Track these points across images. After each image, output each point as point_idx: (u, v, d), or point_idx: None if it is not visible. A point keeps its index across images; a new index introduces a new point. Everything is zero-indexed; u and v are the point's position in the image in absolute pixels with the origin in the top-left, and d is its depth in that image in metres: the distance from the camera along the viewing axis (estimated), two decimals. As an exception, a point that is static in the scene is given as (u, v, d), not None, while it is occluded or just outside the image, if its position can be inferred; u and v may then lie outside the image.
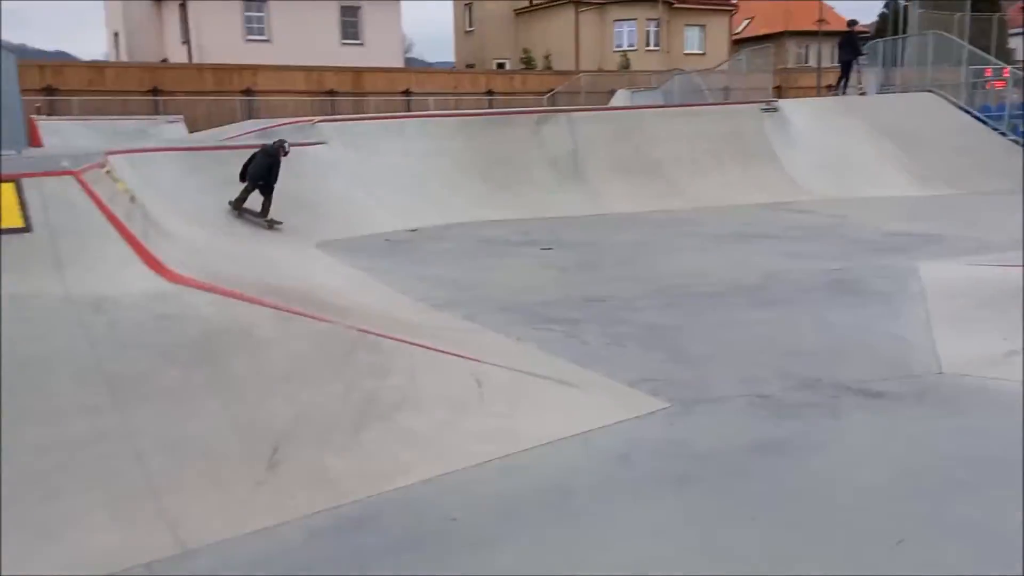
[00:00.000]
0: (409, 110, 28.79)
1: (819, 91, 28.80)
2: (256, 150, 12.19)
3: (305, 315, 5.57)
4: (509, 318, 7.36)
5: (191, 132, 22.40)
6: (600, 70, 41.51)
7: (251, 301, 5.52)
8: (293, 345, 5.16)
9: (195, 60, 34.74)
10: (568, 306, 7.85)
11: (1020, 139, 20.53)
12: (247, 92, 29.89)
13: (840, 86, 23.07)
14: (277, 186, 11.93)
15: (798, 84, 36.49)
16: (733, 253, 10.74)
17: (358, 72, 33.40)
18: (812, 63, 47.11)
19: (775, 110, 20.12)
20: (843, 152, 18.65)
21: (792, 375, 5.75)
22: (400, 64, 40.48)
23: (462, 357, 5.55)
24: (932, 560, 3.33)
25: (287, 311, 5.59)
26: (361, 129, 16.04)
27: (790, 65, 50.24)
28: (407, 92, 33.21)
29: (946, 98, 21.26)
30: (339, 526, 3.87)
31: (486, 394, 5.16)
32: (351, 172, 14.32)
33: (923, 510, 3.71)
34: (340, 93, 31.75)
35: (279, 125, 15.64)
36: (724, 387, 5.54)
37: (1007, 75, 22.26)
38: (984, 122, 20.63)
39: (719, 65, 35.85)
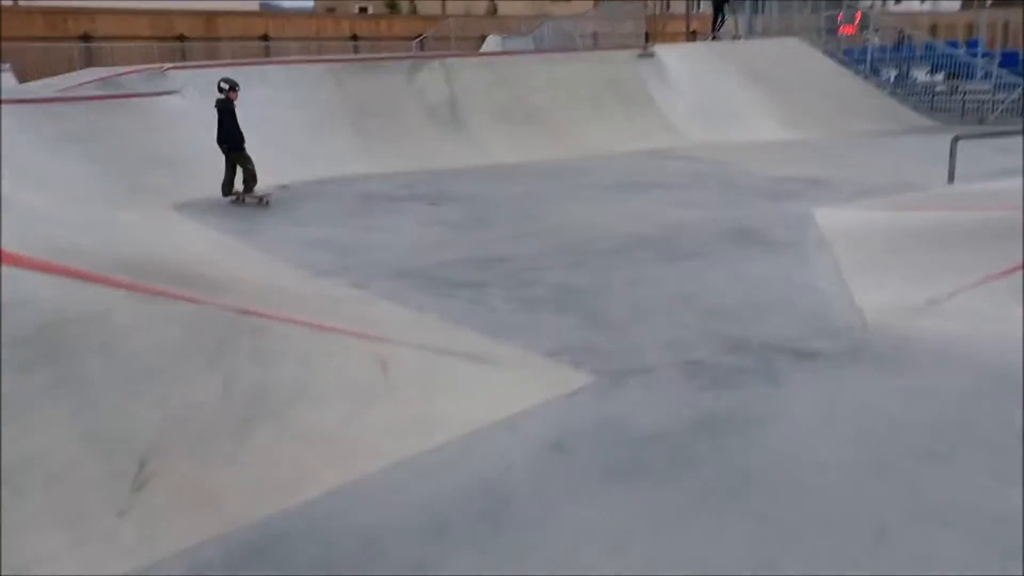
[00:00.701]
0: (268, 57, 26.96)
1: (688, 37, 28.95)
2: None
3: (171, 295, 4.71)
4: (405, 284, 6.68)
5: (21, 83, 20.08)
6: (468, 15, 40.37)
7: (103, 282, 4.60)
8: (158, 333, 4.29)
9: (21, 2, 31.32)
10: (468, 268, 7.23)
11: (885, 83, 21.23)
12: (85, 38, 27.17)
13: (715, 30, 23.09)
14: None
15: (666, 30, 36.65)
16: (628, 204, 10.36)
17: (210, 16, 31.02)
18: (675, 10, 47.45)
19: (651, 56, 19.90)
20: (718, 97, 18.66)
21: (718, 336, 5.37)
22: (255, 8, 38.01)
23: (363, 336, 4.85)
24: (925, 555, 2.98)
25: (149, 291, 4.70)
26: (216, 76, 14.64)
27: (656, 13, 50.46)
28: (265, 37, 31.16)
29: (812, 43, 21.63)
30: (230, 559, 3.16)
31: (394, 379, 4.50)
32: (210, 125, 13.02)
33: (899, 491, 3.36)
34: (191, 39, 29.40)
35: (123, 74, 14.07)
36: (650, 354, 5.09)
37: (859, 20, 22.87)
38: (848, 66, 21.15)
39: (588, 11, 35.49)
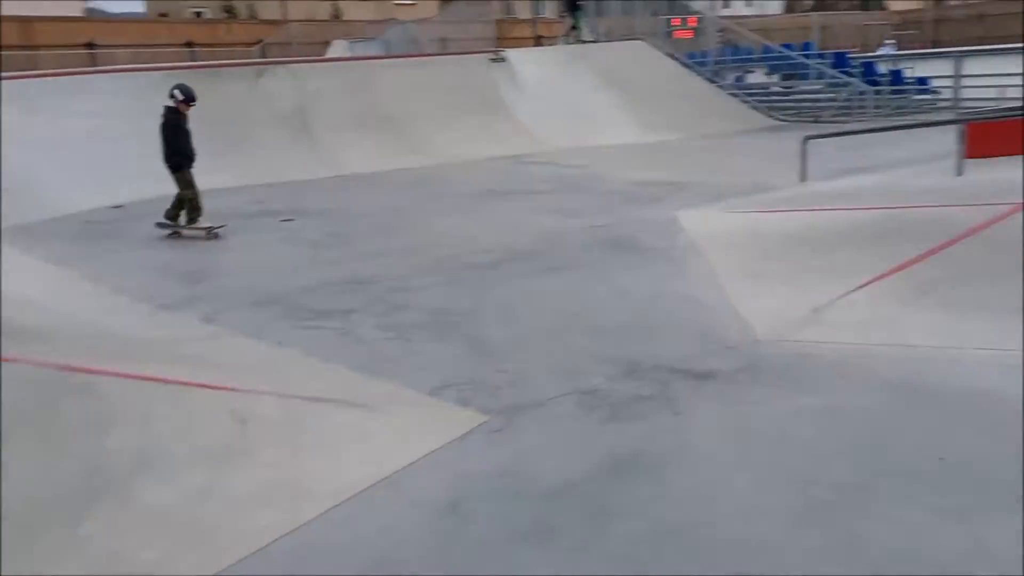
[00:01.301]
0: (95, 65, 24.93)
1: (535, 41, 29.01)
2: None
3: (-28, 354, 3.90)
4: (263, 315, 6.01)
5: None
6: (311, 19, 39.03)
7: None
8: (-44, 404, 3.52)
9: None
10: (332, 292, 6.62)
11: (727, 85, 21.93)
12: None
13: (570, 33, 23.16)
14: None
15: (512, 35, 36.74)
16: (496, 213, 9.99)
17: (26, 22, 28.41)
18: (518, 14, 47.77)
19: (503, 60, 19.70)
20: (572, 101, 18.67)
21: (609, 359, 5.04)
22: (79, 13, 35.22)
23: (215, 388, 4.20)
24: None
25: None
26: (39, 88, 13.23)
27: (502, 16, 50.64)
28: (91, 45, 28.84)
29: (656, 46, 22.07)
30: None
31: (255, 437, 3.89)
32: (32, 140, 11.68)
33: (834, 541, 3.07)
34: (5, 47, 26.80)
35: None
36: (542, 384, 4.70)
37: (694, 24, 23.58)
38: (692, 68, 21.71)
39: (434, 15, 35.06)
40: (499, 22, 38.10)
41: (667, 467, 3.69)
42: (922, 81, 22.38)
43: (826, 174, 11.33)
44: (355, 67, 18.24)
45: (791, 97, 21.85)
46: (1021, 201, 6.48)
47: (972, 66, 22.80)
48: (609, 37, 23.28)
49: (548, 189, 11.77)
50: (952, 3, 41.90)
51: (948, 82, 22.81)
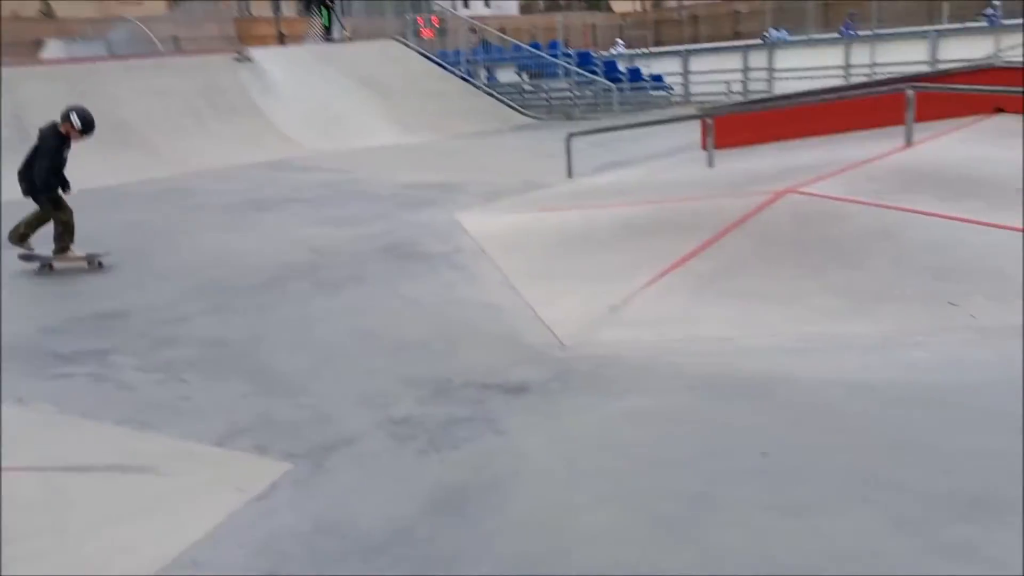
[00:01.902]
0: None
1: (279, 40, 27.75)
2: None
3: None
4: (-6, 368, 5.01)
5: None
6: (16, 17, 34.75)
7: None
8: None
9: None
10: (83, 331, 5.70)
11: (480, 84, 22.18)
12: None
13: (318, 32, 22.28)
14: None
15: (253, 33, 34.94)
16: (259, 226, 9.25)
17: None
18: (257, 12, 45.60)
19: (249, 60, 18.59)
20: (327, 102, 18.01)
21: (415, 380, 4.69)
22: None
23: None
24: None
25: None
26: None
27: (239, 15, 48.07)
28: None
29: (409, 45, 21.88)
30: None
31: (5, 525, 3.13)
32: None
33: (698, 559, 2.93)
34: None
35: None
36: (348, 417, 4.25)
37: (436, 24, 23.73)
38: (445, 67, 21.75)
39: (163, 13, 32.52)
40: (238, 21, 36.17)
41: (502, 495, 3.41)
42: (657, 78, 24.03)
43: (590, 170, 11.68)
44: (77, 70, 16.33)
45: (543, 95, 22.55)
46: (778, 190, 6.93)
47: (697, 63, 24.83)
48: (359, 36, 22.74)
49: (314, 197, 11.15)
50: (669, 5, 45.58)
51: (679, 78, 24.69)
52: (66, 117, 7.52)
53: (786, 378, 4.43)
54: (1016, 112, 9.83)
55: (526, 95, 22.65)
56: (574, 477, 3.55)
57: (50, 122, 7.61)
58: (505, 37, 25.04)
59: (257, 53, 19.07)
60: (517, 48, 23.92)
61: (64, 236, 7.53)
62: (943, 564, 2.74)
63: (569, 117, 20.74)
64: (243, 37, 32.89)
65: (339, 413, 4.30)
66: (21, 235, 7.49)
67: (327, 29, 22.17)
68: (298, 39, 23.92)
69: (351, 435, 4.04)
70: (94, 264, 7.56)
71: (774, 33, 24.46)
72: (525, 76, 23.73)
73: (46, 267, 7.50)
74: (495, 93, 21.74)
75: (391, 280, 6.77)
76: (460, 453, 3.82)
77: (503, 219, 8.74)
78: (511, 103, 21.39)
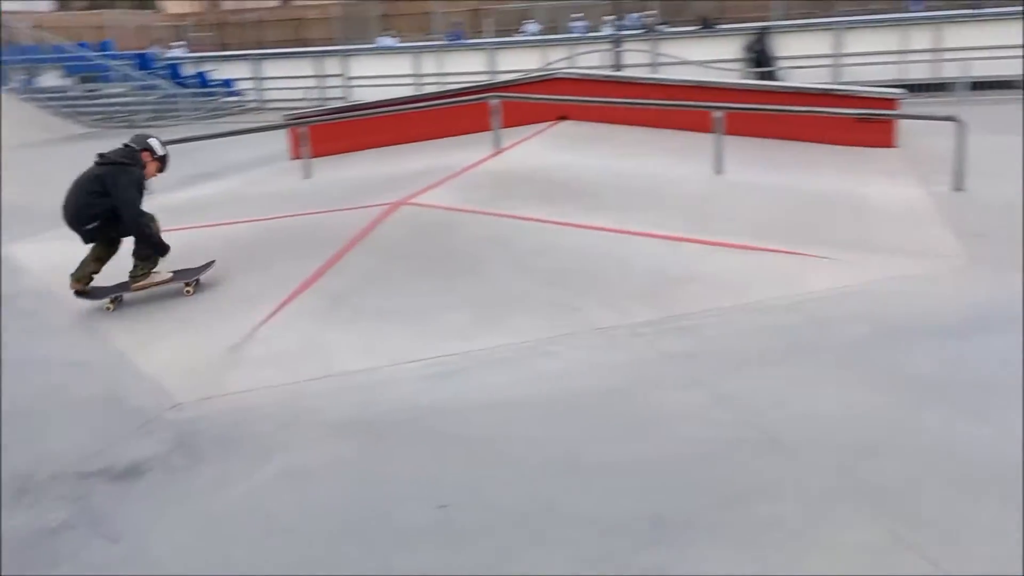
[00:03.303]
0: None
1: None
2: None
3: None
4: None
5: None
6: None
7: None
8: None
9: None
10: None
11: (17, 89, 18.97)
12: None
13: None
14: None
15: None
16: None
17: None
18: None
19: None
20: None
21: (-19, 482, 3.54)
22: None
23: None
24: None
25: None
26: None
27: None
28: None
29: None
30: None
31: None
32: None
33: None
34: None
35: None
36: None
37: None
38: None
39: None
40: None
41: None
42: (226, 83, 22.72)
43: (172, 183, 10.42)
44: None
45: (98, 101, 19.99)
46: (392, 201, 6.70)
47: (270, 68, 24.01)
48: None
49: None
50: (227, 6, 43.64)
51: (250, 84, 23.66)
52: (147, 148, 5.81)
53: (433, 407, 4.16)
54: (577, 119, 10.86)
55: (79, 102, 19.89)
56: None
57: (124, 147, 5.79)
58: (42, 36, 21.72)
59: None
60: (59, 48, 20.89)
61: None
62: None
63: (133, 125, 18.62)
64: None
65: None
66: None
67: None
68: None
69: None
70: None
71: (384, 41, 24.48)
72: (72, 80, 20.84)
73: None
74: (38, 100, 18.74)
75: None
76: (61, 580, 2.90)
77: (70, 248, 7.31)
78: (59, 111, 18.61)
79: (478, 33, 24.54)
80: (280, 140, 11.84)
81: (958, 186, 7.76)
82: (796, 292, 5.36)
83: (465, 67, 20.21)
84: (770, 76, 17.30)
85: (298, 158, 10.52)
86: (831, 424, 3.72)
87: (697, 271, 5.72)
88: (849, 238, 6.42)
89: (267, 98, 23.26)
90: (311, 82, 21.96)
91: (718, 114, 8.34)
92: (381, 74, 20.58)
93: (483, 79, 18.53)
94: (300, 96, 19.30)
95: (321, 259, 5.86)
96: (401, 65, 21.23)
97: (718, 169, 8.26)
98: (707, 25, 20.83)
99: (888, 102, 10.16)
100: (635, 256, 5.94)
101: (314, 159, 9.93)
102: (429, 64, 20.72)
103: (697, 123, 9.67)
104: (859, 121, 10.05)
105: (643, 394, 4.13)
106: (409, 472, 3.53)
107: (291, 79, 22.64)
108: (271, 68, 23.54)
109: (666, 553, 2.87)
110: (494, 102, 8.94)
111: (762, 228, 6.58)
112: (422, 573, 2.82)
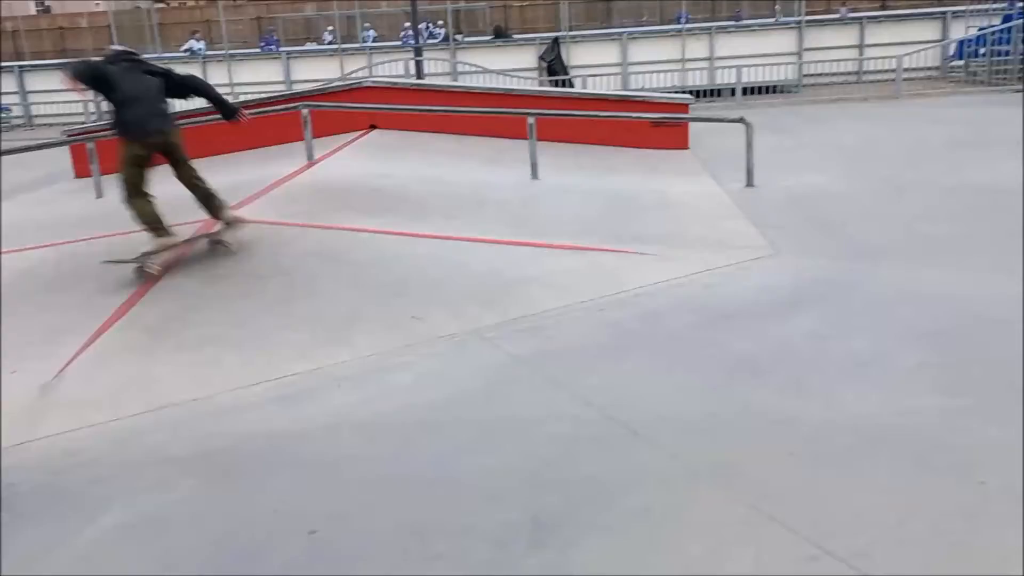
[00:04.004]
0: None
1: None
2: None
3: None
4: None
5: None
6: None
7: None
8: None
9: None
10: None
11: None
12: None
13: None
14: None
15: None
16: None
17: None
18: None
19: None
20: None
21: None
22: None
23: None
24: None
25: None
26: None
27: None
28: None
29: None
30: None
31: None
32: None
33: None
34: None
35: None
36: None
37: None
38: None
39: None
40: None
41: None
42: (-13, 98, 20.58)
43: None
44: None
45: None
46: (208, 218, 6.31)
47: (36, 82, 22.01)
48: None
49: None
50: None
51: (15, 99, 21.61)
52: None
53: (283, 432, 3.96)
54: (387, 127, 10.77)
55: None
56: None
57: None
58: None
59: None
60: None
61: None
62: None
63: None
64: None
65: None
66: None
67: None
68: None
69: None
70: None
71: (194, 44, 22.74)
72: None
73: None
74: None
75: None
76: None
77: None
78: None
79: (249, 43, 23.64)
80: (59, 158, 10.83)
81: (750, 182, 8.43)
82: (625, 288, 5.60)
83: (258, 77, 19.48)
84: (564, 84, 18.03)
85: (84, 176, 9.69)
86: (676, 408, 3.91)
87: (531, 273, 5.83)
88: (663, 234, 6.79)
89: (36, 113, 21.31)
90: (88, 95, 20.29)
91: (531, 120, 8.55)
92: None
93: (280, 89, 17.98)
94: (78, 110, 17.84)
95: (132, 286, 5.42)
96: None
97: (534, 174, 8.48)
98: (499, 35, 21.36)
99: (681, 107, 10.88)
100: (470, 262, 5.97)
101: (105, 176, 9.17)
102: (218, 74, 19.75)
103: (507, 129, 9.90)
104: (655, 125, 10.70)
105: (500, 398, 4.15)
106: (270, 503, 3.33)
107: (60, 92, 20.80)
108: (37, 81, 21.56)
109: (552, 554, 2.89)
110: (305, 111, 8.66)
111: (583, 229, 6.82)
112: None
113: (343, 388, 4.39)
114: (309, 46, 22.65)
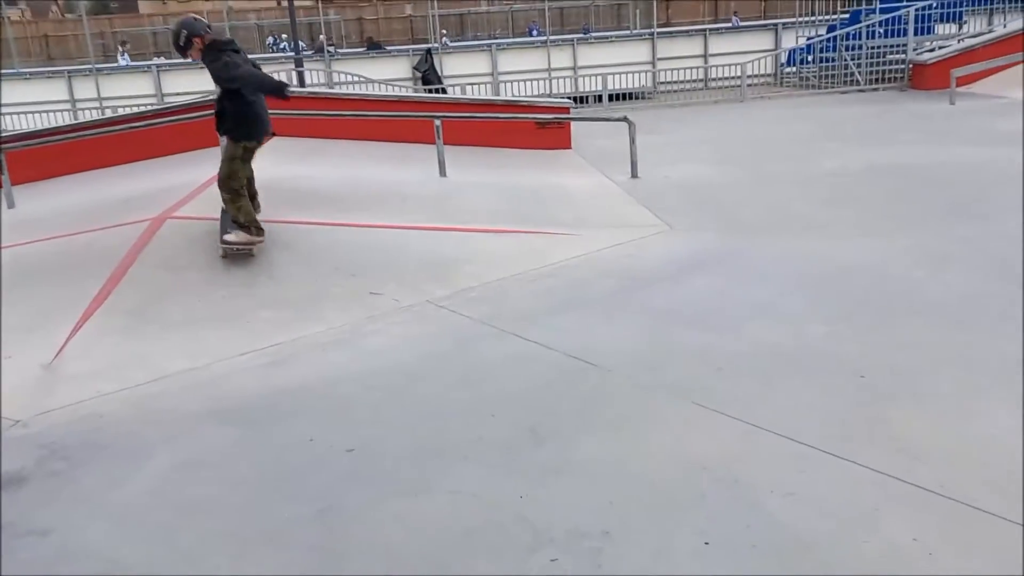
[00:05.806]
0: None
1: None
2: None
3: None
4: None
5: None
6: None
7: None
8: None
9: None
10: None
11: None
12: None
13: None
14: None
15: None
16: None
17: None
18: None
19: None
20: None
21: None
22: None
23: None
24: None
25: None
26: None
27: None
28: None
29: None
30: None
31: None
32: None
33: None
34: None
35: None
36: None
37: None
38: None
39: None
40: None
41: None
42: None
43: None
44: None
45: None
46: (153, 216, 6.67)
47: None
48: None
49: None
50: None
51: None
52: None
53: (284, 388, 4.51)
54: (286, 134, 11.14)
55: None
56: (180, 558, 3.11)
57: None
58: None
59: None
60: None
61: None
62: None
63: None
64: None
65: None
66: None
67: None
68: None
69: None
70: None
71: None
72: None
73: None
74: None
75: None
76: None
77: None
78: None
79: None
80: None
81: (635, 174, 9.47)
82: (550, 262, 6.42)
83: (129, 91, 19.12)
84: (439, 92, 18.78)
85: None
86: (622, 347, 4.75)
87: (466, 253, 6.55)
88: (571, 219, 7.67)
89: None
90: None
91: (438, 123, 9.26)
92: (28, 101, 18.62)
93: (152, 103, 17.80)
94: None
95: (101, 278, 5.76)
96: (56, 91, 19.46)
97: (442, 172, 9.18)
98: (373, 46, 21.90)
99: (563, 109, 11.87)
100: (410, 245, 6.62)
101: (18, 187, 9.17)
102: (85, 89, 19.27)
103: (406, 134, 10.55)
104: (540, 126, 11.63)
105: (472, 349, 4.86)
106: (303, 435, 3.91)
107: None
108: None
109: (555, 451, 3.64)
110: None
111: (500, 216, 7.60)
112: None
113: (327, 350, 4.98)
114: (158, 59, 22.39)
